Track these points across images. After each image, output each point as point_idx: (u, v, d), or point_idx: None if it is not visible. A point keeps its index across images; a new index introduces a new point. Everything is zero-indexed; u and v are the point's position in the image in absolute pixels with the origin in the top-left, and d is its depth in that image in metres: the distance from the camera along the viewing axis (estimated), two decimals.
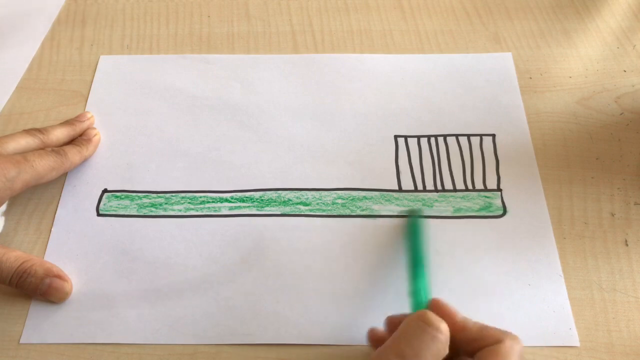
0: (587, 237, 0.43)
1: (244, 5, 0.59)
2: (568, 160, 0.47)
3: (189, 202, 0.45)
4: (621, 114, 0.49)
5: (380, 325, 0.37)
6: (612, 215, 0.44)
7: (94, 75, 0.53)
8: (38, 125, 0.50)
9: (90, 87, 0.52)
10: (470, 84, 0.51)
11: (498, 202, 0.44)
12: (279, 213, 0.44)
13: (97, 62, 0.55)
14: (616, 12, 0.57)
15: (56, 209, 0.45)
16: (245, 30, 0.57)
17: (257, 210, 0.44)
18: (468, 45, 0.54)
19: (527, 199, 0.44)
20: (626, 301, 0.40)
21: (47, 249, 0.43)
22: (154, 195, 0.46)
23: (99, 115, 0.50)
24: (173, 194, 0.46)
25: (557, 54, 0.53)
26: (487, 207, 0.44)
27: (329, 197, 0.45)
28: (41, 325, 0.40)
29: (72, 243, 0.43)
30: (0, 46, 0.51)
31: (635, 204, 0.44)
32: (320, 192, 0.45)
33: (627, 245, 0.42)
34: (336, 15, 0.58)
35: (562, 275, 0.41)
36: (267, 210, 0.44)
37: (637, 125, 0.49)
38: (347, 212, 0.44)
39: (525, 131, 0.48)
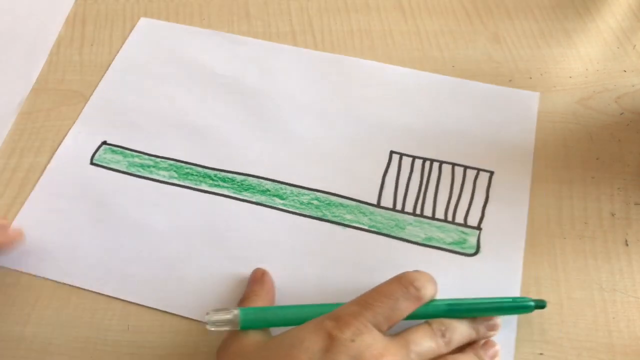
0: (587, 237, 0.43)
1: (244, 5, 0.59)
2: (568, 160, 0.47)
3: (175, 171, 0.47)
4: (621, 114, 0.49)
5: None
6: (612, 215, 0.44)
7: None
8: (37, 126, 0.50)
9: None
10: (486, 116, 0.49)
11: (473, 240, 0.43)
12: (254, 201, 0.45)
13: (133, 26, 0.57)
14: (616, 12, 0.57)
15: (56, 149, 0.48)
16: (245, 30, 0.57)
17: (234, 193, 0.46)
18: (468, 45, 0.54)
19: (505, 245, 0.42)
20: (626, 301, 0.40)
21: (37, 184, 0.47)
22: (146, 156, 0.48)
23: (120, 71, 0.54)
24: (162, 159, 0.48)
25: (557, 54, 0.53)
26: (460, 242, 0.43)
27: (307, 196, 0.45)
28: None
29: (61, 185, 0.46)
30: (12, 49, 0.51)
31: (636, 204, 0.44)
32: (299, 189, 0.46)
33: (627, 245, 0.42)
34: (336, 15, 0.58)
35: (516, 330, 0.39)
36: (244, 195, 0.46)
37: (638, 125, 0.49)
38: (319, 214, 0.44)
39: (527, 176, 0.46)
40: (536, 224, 0.43)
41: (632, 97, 0.50)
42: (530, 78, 0.52)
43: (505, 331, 0.39)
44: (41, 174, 0.47)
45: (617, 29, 0.55)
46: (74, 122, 0.50)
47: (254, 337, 0.35)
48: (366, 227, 0.44)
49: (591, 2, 0.58)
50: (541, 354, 0.38)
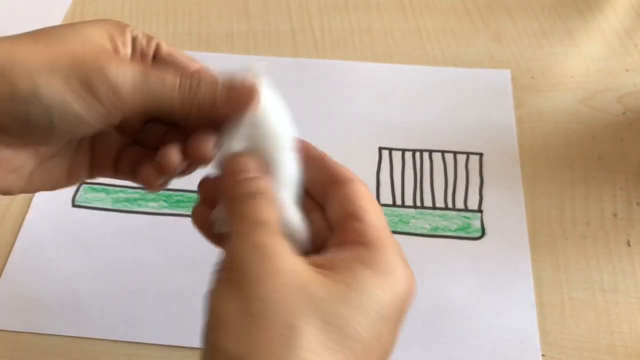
0: (589, 237, 0.43)
1: (244, 4, 0.59)
2: (570, 160, 0.46)
3: (164, 200, 0.45)
4: (623, 113, 0.49)
5: None
6: (615, 215, 0.44)
7: None
8: None
9: None
10: (464, 99, 0.50)
11: (477, 224, 0.43)
12: None
13: None
14: (618, 11, 0.56)
15: (32, 196, 0.46)
16: (245, 29, 0.56)
17: None
18: (469, 44, 0.54)
19: (508, 223, 0.43)
20: (628, 302, 0.40)
21: (18, 236, 0.44)
22: (130, 190, 0.46)
23: None
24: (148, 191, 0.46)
25: (559, 53, 0.53)
26: (464, 227, 0.43)
27: None
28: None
29: (45, 232, 0.44)
30: None
31: (638, 204, 0.44)
32: None
33: (629, 245, 0.42)
34: (336, 14, 0.57)
35: (535, 305, 0.40)
36: None
37: None
38: None
39: (515, 153, 0.46)
40: (538, 225, 0.43)
41: (634, 96, 0.50)
42: (532, 77, 0.52)
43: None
44: None
45: (619, 28, 0.55)
46: None
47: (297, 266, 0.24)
48: None
49: (593, 0, 0.58)
50: (543, 355, 0.38)
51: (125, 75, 0.26)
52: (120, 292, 0.41)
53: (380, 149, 0.47)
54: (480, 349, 0.38)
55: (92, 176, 0.32)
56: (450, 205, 0.44)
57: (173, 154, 0.29)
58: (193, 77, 0.28)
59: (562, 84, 0.51)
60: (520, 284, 0.40)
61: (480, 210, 0.44)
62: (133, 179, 0.31)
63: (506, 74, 0.51)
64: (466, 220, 0.43)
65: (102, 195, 0.46)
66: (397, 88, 0.51)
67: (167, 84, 0.27)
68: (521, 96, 0.50)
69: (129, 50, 0.30)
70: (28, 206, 0.45)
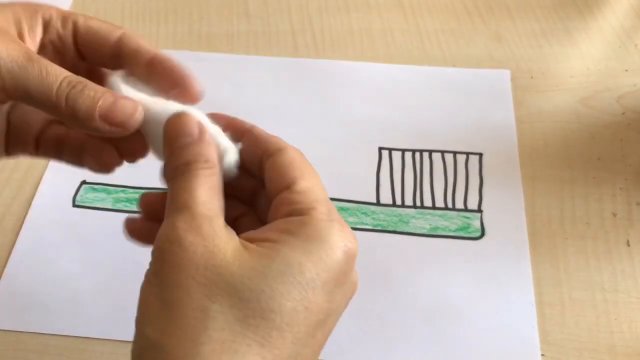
0: (589, 237, 0.43)
1: (244, 4, 0.59)
2: (570, 160, 0.46)
3: None
4: (623, 113, 0.49)
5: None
6: (614, 215, 0.44)
7: None
8: None
9: None
10: (464, 100, 0.50)
11: (477, 224, 0.43)
12: None
13: None
14: (618, 11, 0.56)
15: (33, 195, 0.45)
16: (245, 29, 0.56)
17: None
18: (469, 44, 0.54)
19: (508, 223, 0.43)
20: (628, 302, 0.40)
21: (19, 236, 0.43)
22: (131, 190, 0.46)
23: None
24: (149, 190, 0.46)
25: (559, 53, 0.53)
26: (464, 227, 0.43)
27: None
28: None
29: (46, 232, 0.43)
30: None
31: (638, 204, 0.44)
32: None
33: (629, 245, 0.42)
34: (336, 14, 0.57)
35: (534, 304, 0.40)
36: None
37: (639, 125, 0.48)
38: None
39: (515, 153, 0.47)
40: (537, 225, 0.43)
41: (634, 96, 0.50)
42: (532, 77, 0.52)
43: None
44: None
45: (619, 28, 0.55)
46: None
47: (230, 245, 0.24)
48: (370, 227, 0.44)
49: (593, 0, 0.58)
50: (543, 355, 0.38)
51: (1, 57, 0.25)
52: (120, 292, 0.41)
53: (380, 149, 0.47)
54: (480, 349, 0.38)
55: (10, 153, 0.30)
56: (450, 205, 0.44)
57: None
58: (77, 85, 0.26)
59: (562, 84, 0.51)
60: (520, 284, 0.40)
61: (480, 210, 0.44)
62: (56, 158, 0.30)
63: (506, 74, 0.52)
64: (466, 220, 0.43)
65: (102, 195, 0.46)
66: (397, 88, 0.51)
67: (47, 79, 0.26)
68: (521, 96, 0.50)
69: (38, 34, 0.29)
70: (28, 206, 0.45)
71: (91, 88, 0.26)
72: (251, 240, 0.24)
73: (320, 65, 0.53)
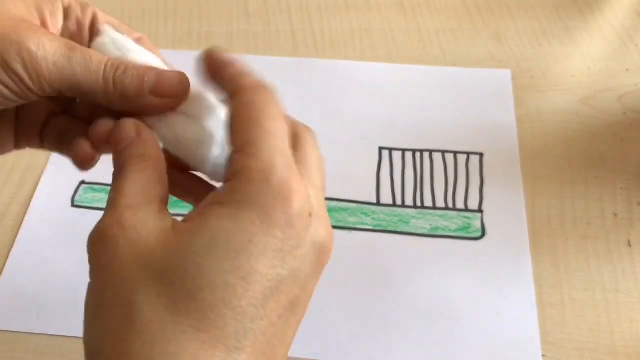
0: (589, 237, 0.43)
1: (244, 3, 0.58)
2: (570, 160, 0.46)
3: None
4: (624, 113, 0.49)
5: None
6: (615, 215, 0.44)
7: None
8: None
9: None
10: (465, 99, 0.50)
11: (477, 224, 0.43)
12: None
13: None
14: (618, 10, 0.56)
15: (32, 195, 0.45)
16: (245, 29, 0.56)
17: None
18: (469, 44, 0.54)
19: (508, 224, 0.43)
20: (629, 302, 0.40)
21: (18, 236, 0.43)
22: None
23: None
24: None
25: (560, 53, 0.53)
26: (465, 228, 0.43)
27: None
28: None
29: (45, 232, 0.44)
30: None
31: (639, 204, 0.44)
32: None
33: (629, 245, 0.42)
34: (336, 14, 0.57)
35: (535, 305, 0.39)
36: None
37: None
38: None
39: (515, 153, 0.46)
40: (538, 225, 0.43)
41: (635, 96, 0.50)
42: (532, 77, 0.51)
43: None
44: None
45: (620, 28, 0.55)
46: None
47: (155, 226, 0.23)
48: (371, 227, 0.43)
49: (593, 0, 0.57)
50: (543, 355, 0.38)
51: (46, 50, 0.24)
52: None
53: (380, 149, 0.47)
54: (480, 349, 0.38)
55: (19, 146, 0.30)
56: (450, 205, 0.44)
57: (103, 130, 0.27)
58: (119, 67, 0.26)
59: (562, 84, 0.51)
60: (521, 284, 0.40)
61: (480, 210, 0.44)
62: (60, 150, 0.30)
63: (507, 73, 0.51)
64: (466, 220, 0.43)
65: (101, 195, 0.46)
66: (397, 88, 0.51)
67: (92, 66, 0.26)
68: (521, 96, 0.50)
69: (59, 20, 0.28)
70: (27, 206, 0.45)
71: (133, 67, 0.27)
72: (187, 220, 0.22)
73: (320, 65, 0.53)
